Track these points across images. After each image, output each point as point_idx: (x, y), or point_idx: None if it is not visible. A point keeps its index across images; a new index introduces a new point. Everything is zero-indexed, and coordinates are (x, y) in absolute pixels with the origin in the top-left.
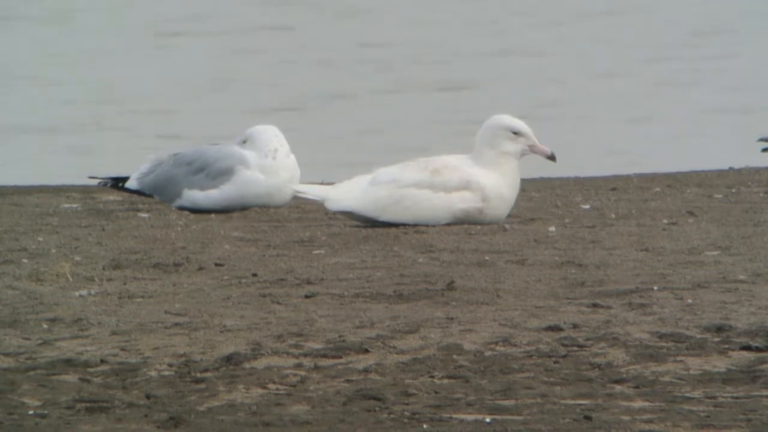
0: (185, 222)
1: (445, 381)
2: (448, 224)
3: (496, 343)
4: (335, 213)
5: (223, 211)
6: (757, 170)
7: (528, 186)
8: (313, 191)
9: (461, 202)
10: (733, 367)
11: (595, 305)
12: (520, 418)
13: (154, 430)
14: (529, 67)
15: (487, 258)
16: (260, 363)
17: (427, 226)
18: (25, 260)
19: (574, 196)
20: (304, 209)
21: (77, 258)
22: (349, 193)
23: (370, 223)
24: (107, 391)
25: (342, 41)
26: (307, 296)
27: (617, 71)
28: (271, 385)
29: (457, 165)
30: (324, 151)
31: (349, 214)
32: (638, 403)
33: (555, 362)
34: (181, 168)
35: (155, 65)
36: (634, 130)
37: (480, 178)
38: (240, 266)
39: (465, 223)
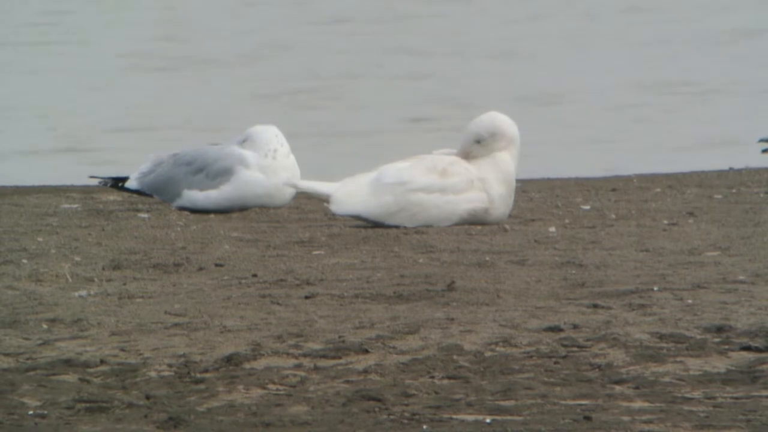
0: (185, 222)
1: (445, 381)
2: (454, 225)
3: (497, 344)
4: (341, 216)
5: (223, 211)
6: (757, 170)
7: (528, 186)
8: (317, 187)
9: (468, 202)
10: (733, 368)
11: (595, 306)
12: (520, 418)
13: (153, 430)
14: (528, 67)
15: (487, 258)
16: (260, 363)
17: (433, 227)
18: (24, 261)
19: (574, 197)
20: (304, 210)
21: (77, 258)
22: (354, 197)
23: (376, 225)
24: (107, 391)
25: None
26: (306, 297)
27: (618, 71)
28: (270, 386)
29: (461, 163)
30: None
31: (355, 218)
32: (638, 404)
33: (555, 363)
34: (181, 168)
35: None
36: (635, 130)
37: (484, 177)
38: (240, 267)
39: (471, 223)
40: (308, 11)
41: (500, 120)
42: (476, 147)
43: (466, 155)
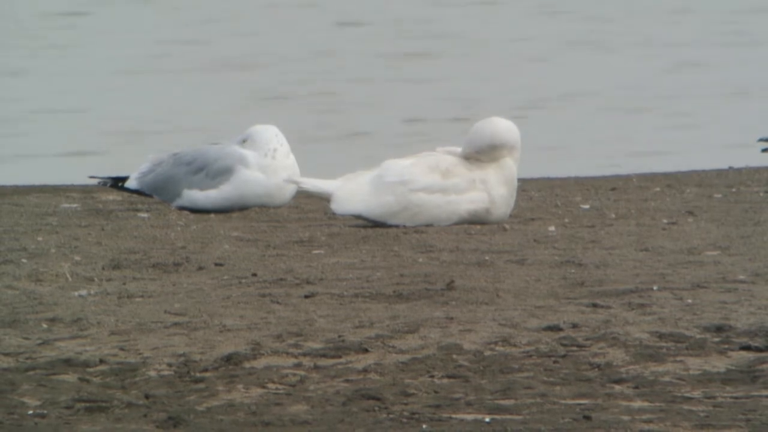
0: (185, 222)
1: (445, 381)
2: (455, 224)
3: (496, 343)
4: (342, 215)
5: (223, 210)
6: (757, 170)
7: (528, 186)
8: (318, 184)
9: (469, 203)
10: (733, 367)
11: (594, 305)
12: (520, 417)
13: (153, 429)
14: (527, 66)
15: (486, 258)
16: (260, 363)
17: (433, 226)
18: (24, 260)
19: (574, 196)
20: (303, 209)
21: (77, 258)
22: (355, 196)
23: (377, 224)
24: (106, 391)
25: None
26: (306, 296)
27: (617, 72)
28: (270, 385)
29: (463, 163)
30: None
31: (356, 217)
32: (638, 403)
33: (554, 362)
34: (181, 168)
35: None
36: (634, 129)
37: (485, 178)
38: (240, 266)
39: (472, 223)
40: (316, 14)
41: (500, 131)
42: (477, 155)
43: (468, 159)
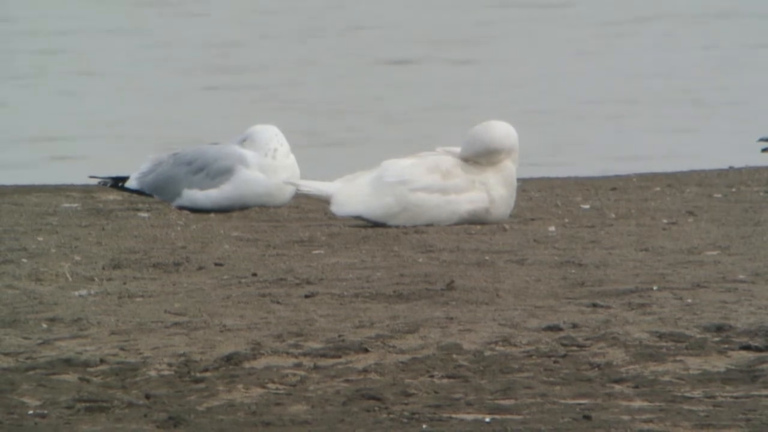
0: (185, 222)
1: (445, 381)
2: (455, 224)
3: (496, 343)
4: (342, 217)
5: (223, 210)
6: (757, 170)
7: (528, 186)
8: (318, 186)
9: (469, 203)
10: (733, 367)
11: (594, 305)
12: (520, 417)
13: (153, 429)
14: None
15: (486, 258)
16: (260, 363)
17: (433, 226)
18: (24, 260)
19: (574, 196)
20: (303, 209)
21: (77, 258)
22: (355, 197)
23: (377, 225)
24: (107, 390)
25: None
26: (306, 296)
27: (617, 73)
28: (270, 385)
29: (463, 165)
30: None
31: (357, 218)
32: (638, 403)
33: (554, 362)
34: (181, 167)
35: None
36: (634, 129)
37: (485, 179)
38: (240, 266)
39: (472, 223)
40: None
41: (498, 136)
42: (476, 159)
43: (466, 161)
